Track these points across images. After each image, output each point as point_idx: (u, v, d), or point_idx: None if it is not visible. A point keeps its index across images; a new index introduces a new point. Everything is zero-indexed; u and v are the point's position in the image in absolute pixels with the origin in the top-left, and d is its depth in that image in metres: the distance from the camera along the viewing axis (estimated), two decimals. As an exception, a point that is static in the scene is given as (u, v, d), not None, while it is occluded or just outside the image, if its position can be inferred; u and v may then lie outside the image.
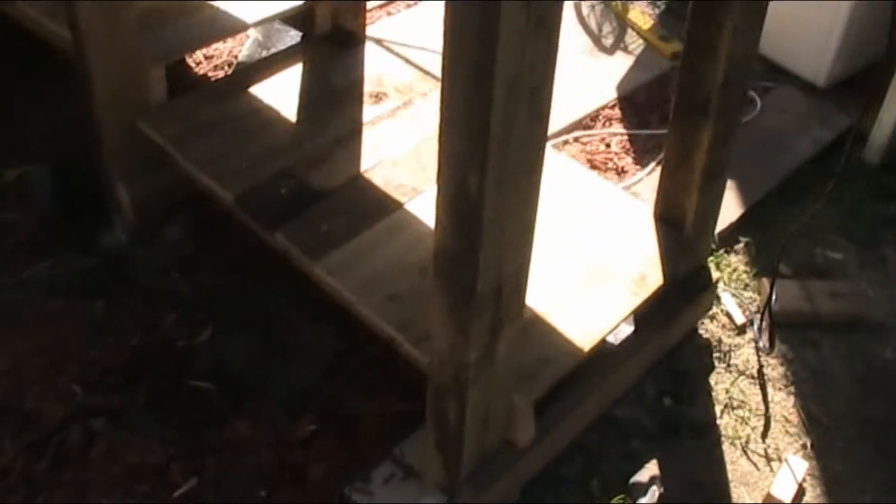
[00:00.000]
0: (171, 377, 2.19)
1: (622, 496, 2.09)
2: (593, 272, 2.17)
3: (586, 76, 3.09)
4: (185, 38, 2.42)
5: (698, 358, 2.39)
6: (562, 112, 2.90)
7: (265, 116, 2.45)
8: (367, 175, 2.32)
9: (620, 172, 2.83)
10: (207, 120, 2.40)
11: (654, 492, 2.10)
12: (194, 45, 2.52)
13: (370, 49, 2.72)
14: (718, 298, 2.51)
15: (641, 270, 2.18)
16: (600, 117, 3.00)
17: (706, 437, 2.24)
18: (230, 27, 2.51)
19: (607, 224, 2.30)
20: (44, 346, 2.22)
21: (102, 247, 2.46)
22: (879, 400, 2.34)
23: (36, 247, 2.45)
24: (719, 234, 2.62)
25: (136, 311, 2.32)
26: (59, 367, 2.18)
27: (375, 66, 2.65)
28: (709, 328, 2.46)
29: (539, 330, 2.03)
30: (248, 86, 2.52)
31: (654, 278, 2.18)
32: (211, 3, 2.48)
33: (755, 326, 2.45)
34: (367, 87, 2.57)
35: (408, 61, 2.72)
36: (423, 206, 2.24)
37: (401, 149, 2.40)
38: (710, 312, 2.47)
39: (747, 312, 2.50)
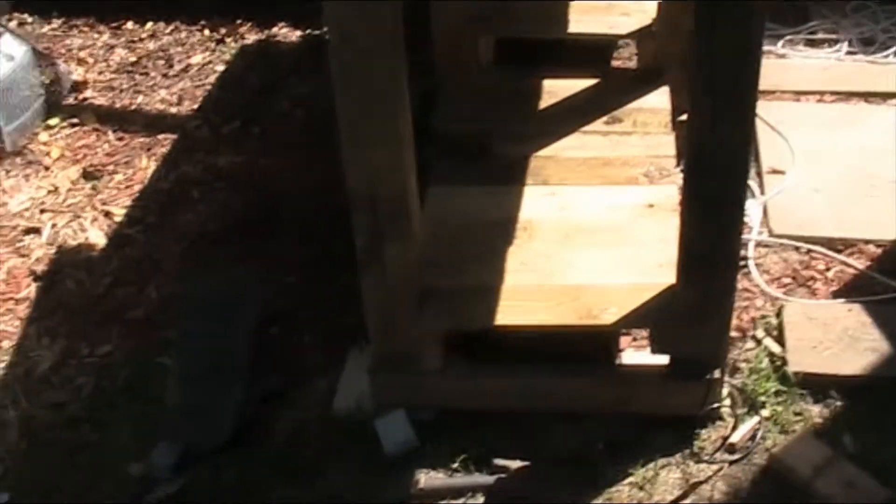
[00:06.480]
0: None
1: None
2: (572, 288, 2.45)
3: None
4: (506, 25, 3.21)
5: (662, 439, 2.43)
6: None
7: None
8: (532, 157, 2.86)
9: (795, 289, 2.77)
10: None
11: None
12: (511, 31, 3.25)
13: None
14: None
15: (608, 307, 2.39)
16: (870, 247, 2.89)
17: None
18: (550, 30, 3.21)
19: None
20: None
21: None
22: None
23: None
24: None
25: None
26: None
27: (646, 101, 3.05)
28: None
29: (495, 294, 2.45)
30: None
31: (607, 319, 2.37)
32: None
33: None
34: (618, 112, 3.01)
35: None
36: (527, 194, 2.74)
37: (577, 153, 2.87)
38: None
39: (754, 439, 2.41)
